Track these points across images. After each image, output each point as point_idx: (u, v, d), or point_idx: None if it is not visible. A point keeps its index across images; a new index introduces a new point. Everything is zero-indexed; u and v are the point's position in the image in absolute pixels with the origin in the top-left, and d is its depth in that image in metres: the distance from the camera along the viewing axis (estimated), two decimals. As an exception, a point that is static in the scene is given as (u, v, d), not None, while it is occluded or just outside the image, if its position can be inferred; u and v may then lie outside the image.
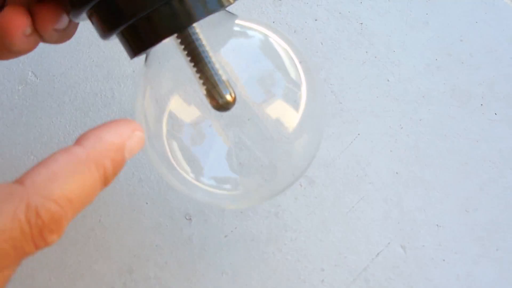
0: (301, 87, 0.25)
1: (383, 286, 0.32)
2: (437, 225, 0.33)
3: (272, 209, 0.33)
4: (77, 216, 0.33)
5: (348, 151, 0.35)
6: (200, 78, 0.21)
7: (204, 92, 0.21)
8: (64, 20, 0.21)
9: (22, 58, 0.37)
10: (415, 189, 0.34)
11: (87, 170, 0.17)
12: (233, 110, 0.22)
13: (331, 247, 0.33)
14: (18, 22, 0.20)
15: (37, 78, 0.37)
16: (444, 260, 0.33)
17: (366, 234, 0.33)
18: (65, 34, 0.22)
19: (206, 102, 0.22)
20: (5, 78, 0.37)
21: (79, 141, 0.18)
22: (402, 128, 0.36)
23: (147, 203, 0.33)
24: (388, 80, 0.38)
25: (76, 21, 0.21)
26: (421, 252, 0.33)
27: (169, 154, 0.24)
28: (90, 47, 0.37)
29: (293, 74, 0.25)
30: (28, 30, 0.20)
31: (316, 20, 0.39)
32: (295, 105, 0.25)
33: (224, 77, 0.21)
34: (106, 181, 0.18)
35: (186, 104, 0.25)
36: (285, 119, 0.25)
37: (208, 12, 0.19)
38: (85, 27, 0.38)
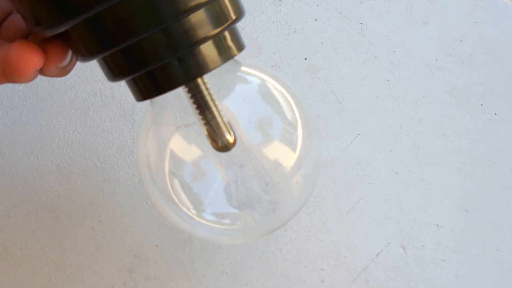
0: (297, 127, 0.26)
1: (383, 286, 0.32)
2: (437, 225, 0.33)
3: (271, 207, 0.33)
4: (77, 216, 0.33)
5: (348, 151, 0.35)
6: (202, 120, 0.22)
7: (206, 133, 0.22)
8: (67, 59, 0.21)
9: (22, 58, 0.37)
10: (415, 189, 0.34)
11: None
12: (233, 150, 0.23)
13: (331, 247, 0.33)
14: (34, 60, 0.20)
15: (37, 78, 0.37)
16: (444, 260, 0.33)
17: (366, 234, 0.33)
18: (65, 71, 0.22)
19: (207, 142, 0.23)
20: (5, 78, 0.37)
21: None
22: (402, 128, 0.36)
23: (147, 203, 0.33)
24: (388, 80, 0.38)
25: (82, 62, 0.21)
26: (421, 252, 0.33)
27: (171, 191, 0.25)
28: (90, 47, 0.37)
29: (289, 116, 0.26)
30: (39, 67, 0.20)
31: (316, 20, 0.39)
32: (292, 145, 0.26)
33: (225, 120, 0.22)
34: None
35: (187, 143, 0.26)
36: (283, 159, 0.26)
37: (217, 64, 0.20)
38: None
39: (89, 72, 0.37)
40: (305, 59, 0.38)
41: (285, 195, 0.27)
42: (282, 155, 0.25)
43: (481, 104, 0.37)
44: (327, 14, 0.40)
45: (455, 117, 0.36)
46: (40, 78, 0.37)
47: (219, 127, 0.22)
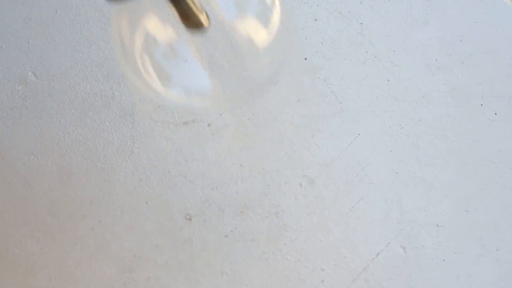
0: (274, 7, 0.26)
1: (383, 286, 0.32)
2: (437, 225, 0.33)
3: (272, 209, 0.33)
4: (77, 216, 0.33)
5: (348, 151, 0.35)
6: (173, 1, 0.21)
7: (178, 14, 0.22)
8: None
9: (22, 58, 0.37)
10: (415, 189, 0.34)
11: None
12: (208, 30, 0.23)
13: (331, 247, 0.33)
14: None
15: (37, 78, 0.37)
16: (444, 260, 0.33)
17: (366, 234, 0.33)
18: None
19: (180, 23, 0.22)
20: (5, 78, 0.37)
21: None
22: (402, 128, 0.36)
23: (147, 203, 0.33)
24: (388, 80, 0.38)
25: None
26: (421, 252, 0.33)
27: (141, 66, 0.26)
28: (90, 47, 0.37)
29: None
30: None
31: (316, 20, 0.39)
32: (267, 23, 0.26)
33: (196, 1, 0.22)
34: None
35: (161, 23, 0.25)
36: (256, 34, 0.26)
37: None
38: (85, 27, 0.38)
39: (89, 72, 0.37)
40: (305, 59, 0.38)
41: (255, 64, 0.27)
42: (256, 29, 0.26)
43: (481, 104, 0.37)
44: (327, 14, 0.40)
45: (455, 117, 0.36)
46: (40, 78, 0.37)
47: (190, 8, 0.22)
